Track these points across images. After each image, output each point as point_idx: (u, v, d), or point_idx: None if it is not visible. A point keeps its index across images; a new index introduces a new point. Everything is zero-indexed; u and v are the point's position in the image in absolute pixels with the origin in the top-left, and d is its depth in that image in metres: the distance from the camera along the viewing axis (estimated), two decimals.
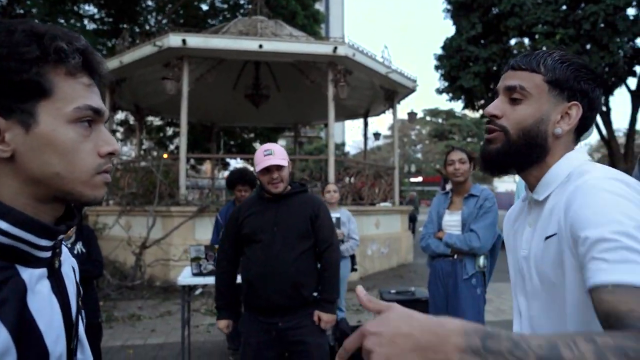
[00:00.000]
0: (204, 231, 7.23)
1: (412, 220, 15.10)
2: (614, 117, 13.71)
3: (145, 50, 7.69)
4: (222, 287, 2.43)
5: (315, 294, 2.33)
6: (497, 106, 0.93)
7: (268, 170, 2.23)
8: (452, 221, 2.94)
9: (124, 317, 5.60)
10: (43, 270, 0.65)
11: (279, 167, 2.25)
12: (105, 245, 7.47)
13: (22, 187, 0.62)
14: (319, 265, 2.38)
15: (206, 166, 20.89)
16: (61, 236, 0.67)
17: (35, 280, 0.63)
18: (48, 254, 0.65)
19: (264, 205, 2.34)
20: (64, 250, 0.73)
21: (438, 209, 3.06)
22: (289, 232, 2.28)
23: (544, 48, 11.17)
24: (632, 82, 12.91)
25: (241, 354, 2.36)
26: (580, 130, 0.93)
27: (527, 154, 0.91)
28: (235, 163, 22.87)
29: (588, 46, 11.00)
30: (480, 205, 2.84)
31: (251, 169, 4.36)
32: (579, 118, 0.90)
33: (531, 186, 0.96)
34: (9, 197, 0.62)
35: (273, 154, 2.24)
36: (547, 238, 0.87)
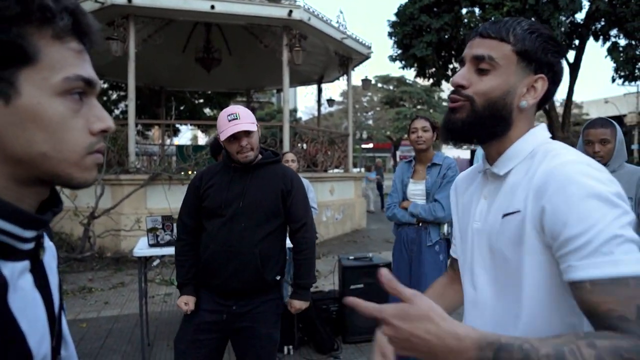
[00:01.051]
0: (156, 200, 7.04)
1: (379, 187, 15.47)
2: None
3: (86, 6, 7.08)
4: (183, 262, 2.13)
5: (277, 277, 2.10)
6: (463, 76, 0.89)
7: (235, 137, 1.96)
8: (416, 190, 3.01)
9: (73, 290, 5.42)
10: (25, 264, 0.57)
11: (247, 133, 1.97)
12: None
13: (1, 168, 0.53)
14: (286, 247, 2.18)
15: (154, 132, 20.09)
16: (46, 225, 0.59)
17: (17, 275, 0.55)
18: (31, 245, 0.58)
19: (229, 175, 2.05)
20: (45, 237, 0.65)
21: (402, 178, 3.11)
22: (256, 209, 2.02)
23: (492, 19, 11.53)
24: (571, 55, 13.57)
25: (179, 332, 2.11)
26: (542, 103, 0.92)
27: (491, 126, 0.87)
28: (186, 129, 22.15)
29: (532, 19, 11.39)
30: (443, 174, 2.92)
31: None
32: (544, 91, 0.88)
33: (491, 158, 0.93)
34: None
35: (239, 117, 1.95)
36: (506, 215, 0.85)
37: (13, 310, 0.53)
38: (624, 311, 0.66)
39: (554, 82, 0.89)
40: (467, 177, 1.07)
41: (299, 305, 2.19)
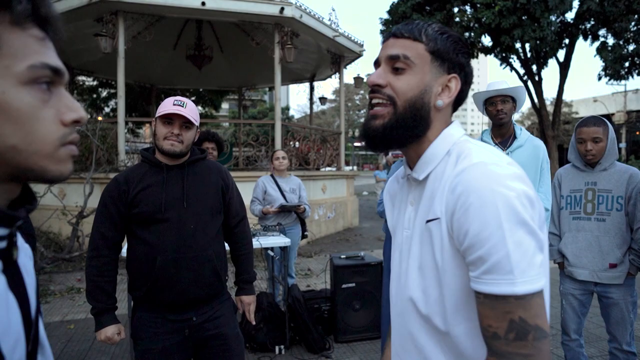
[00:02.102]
0: None
1: None
2: (545, 87, 14.54)
3: (73, 2, 7.02)
4: (104, 283, 1.81)
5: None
6: (380, 75, 0.88)
7: (170, 120, 1.79)
8: None
9: (61, 290, 5.34)
10: (0, 264, 0.55)
11: (186, 125, 1.81)
12: (36, 216, 7.00)
13: None
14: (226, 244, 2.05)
15: (145, 130, 19.93)
16: (19, 222, 0.56)
17: None
18: (3, 245, 0.55)
19: (161, 175, 1.84)
20: (18, 237, 0.61)
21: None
22: (201, 208, 1.86)
23: (485, 18, 11.58)
24: (561, 54, 13.70)
25: None
26: (455, 104, 0.92)
27: (412, 127, 0.87)
28: None
29: (524, 18, 11.45)
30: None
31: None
32: (457, 91, 0.89)
33: (411, 162, 0.93)
34: None
35: (185, 106, 1.80)
36: (428, 221, 0.85)
37: None
38: (497, 327, 0.71)
39: (466, 82, 0.91)
40: (394, 182, 1.06)
41: (248, 300, 2.09)
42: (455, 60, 0.88)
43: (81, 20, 7.39)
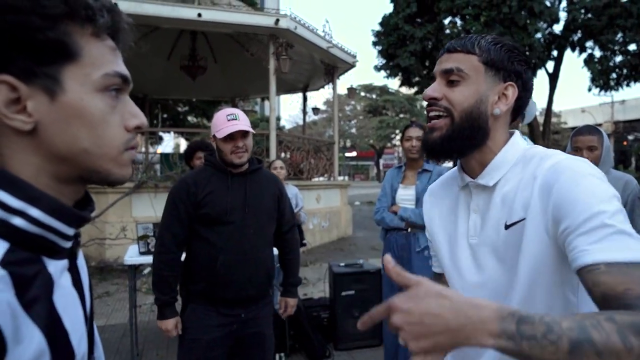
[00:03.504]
0: (141, 208, 6.95)
1: None
2: (534, 98, 14.80)
3: None
4: (171, 278, 1.98)
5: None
6: (435, 89, 0.91)
7: (232, 137, 1.91)
8: (406, 195, 3.04)
9: None
10: (65, 262, 0.58)
11: (245, 135, 1.94)
12: None
13: (43, 165, 0.54)
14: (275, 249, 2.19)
15: (137, 140, 19.86)
16: (86, 223, 0.59)
17: (59, 273, 0.56)
18: (70, 244, 0.58)
19: (226, 181, 1.99)
20: None
21: (392, 183, 3.14)
22: (260, 214, 2.01)
23: (473, 29, 11.79)
24: (550, 65, 13.95)
25: (183, 355, 2.00)
26: (515, 113, 0.94)
27: (470, 137, 0.89)
28: (170, 137, 21.91)
29: (511, 28, 11.68)
30: (433, 180, 2.96)
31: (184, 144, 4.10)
32: (515, 98, 0.91)
33: (472, 171, 0.94)
34: (29, 178, 0.53)
35: (238, 118, 1.92)
36: (509, 225, 0.85)
37: (58, 308, 0.54)
38: None
39: (525, 90, 0.92)
40: (442, 188, 1.07)
41: (293, 302, 2.24)
42: (511, 69, 0.90)
43: None
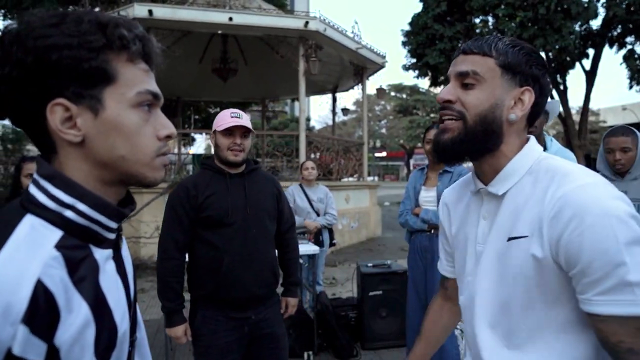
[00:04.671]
0: None
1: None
2: (571, 96, 14.33)
3: None
4: (176, 284, 1.95)
5: None
6: (449, 91, 0.89)
7: (231, 132, 1.93)
8: (428, 197, 3.04)
9: None
10: (110, 252, 0.68)
11: (245, 133, 1.96)
12: None
13: (91, 170, 0.65)
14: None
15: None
16: (127, 218, 0.69)
17: (104, 260, 0.66)
18: (114, 236, 0.68)
19: (225, 182, 1.98)
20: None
21: (415, 185, 3.16)
22: (261, 213, 2.01)
23: (506, 29, 11.53)
24: (587, 63, 13.50)
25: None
26: (531, 118, 0.90)
27: (483, 141, 0.87)
28: (202, 138, 22.39)
29: (546, 28, 11.36)
30: (454, 181, 2.94)
31: None
32: (531, 103, 0.87)
33: (484, 176, 0.92)
34: (80, 181, 0.64)
35: (242, 117, 1.94)
36: (512, 239, 0.84)
37: (103, 288, 0.64)
38: (633, 343, 0.70)
39: (542, 94, 0.89)
40: (457, 192, 1.07)
41: (294, 302, 2.22)
42: (528, 73, 0.87)
43: None
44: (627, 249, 0.71)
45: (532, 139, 0.93)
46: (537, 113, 0.90)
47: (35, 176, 0.64)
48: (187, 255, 2.05)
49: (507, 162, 0.89)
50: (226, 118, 1.95)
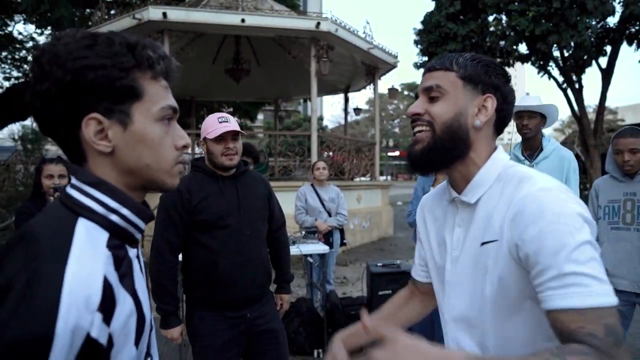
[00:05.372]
0: None
1: None
2: (586, 94, 14.10)
3: (124, 22, 7.49)
4: (170, 286, 1.97)
5: None
6: (417, 105, 0.96)
7: (222, 138, 1.94)
8: None
9: None
10: (136, 250, 0.76)
11: (235, 137, 1.98)
12: None
13: (119, 177, 0.72)
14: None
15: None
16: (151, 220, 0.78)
17: (134, 258, 0.74)
18: (140, 236, 0.76)
19: (217, 185, 2.00)
20: None
21: (423, 186, 3.19)
22: (253, 215, 2.05)
23: (519, 26, 11.37)
24: (603, 61, 13.27)
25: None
26: (498, 125, 0.96)
27: (451, 148, 0.92)
28: None
29: (559, 25, 11.20)
30: None
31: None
32: (494, 109, 0.93)
33: (457, 185, 0.97)
34: None
35: (229, 121, 1.96)
36: (484, 243, 0.89)
37: (135, 284, 0.71)
38: (593, 329, 0.72)
39: (505, 102, 0.95)
40: (435, 198, 1.11)
41: (288, 297, 2.27)
42: (489, 82, 0.94)
43: None
44: (580, 248, 0.76)
45: (499, 147, 0.99)
46: (503, 119, 0.97)
47: (76, 182, 0.70)
48: (180, 257, 2.07)
49: (477, 171, 0.95)
50: (214, 124, 1.95)
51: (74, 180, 0.71)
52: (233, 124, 1.97)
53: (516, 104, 2.69)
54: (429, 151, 0.94)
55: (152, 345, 0.82)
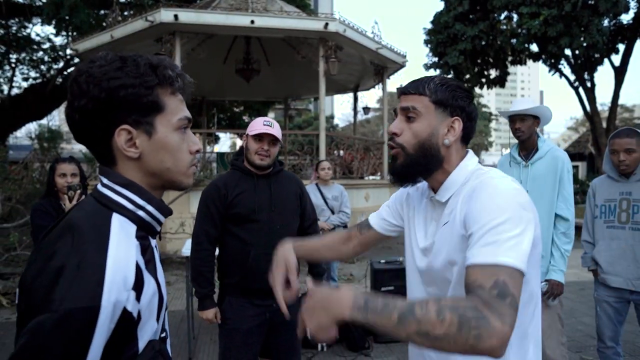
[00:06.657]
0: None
1: None
2: (599, 92, 13.94)
3: (137, 25, 7.66)
4: (207, 272, 2.20)
5: None
6: (396, 125, 1.11)
7: (261, 138, 2.14)
8: None
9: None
10: (155, 241, 0.88)
11: (274, 142, 2.17)
12: None
13: (144, 178, 0.84)
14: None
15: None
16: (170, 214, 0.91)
17: (154, 247, 0.87)
18: (159, 228, 0.89)
19: (253, 182, 2.20)
20: None
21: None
22: (285, 211, 2.23)
23: (530, 28, 11.24)
24: (616, 59, 13.14)
25: (225, 342, 2.18)
26: (464, 138, 1.12)
27: (425, 164, 1.09)
28: (226, 137, 22.75)
29: (571, 27, 11.10)
30: None
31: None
32: (461, 129, 1.10)
33: (432, 186, 1.14)
34: None
35: (273, 126, 2.15)
36: (445, 224, 1.07)
37: (157, 269, 0.84)
38: (483, 282, 0.84)
39: (469, 119, 1.11)
40: (417, 194, 1.26)
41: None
42: (456, 105, 1.10)
43: (143, 41, 8.04)
44: (507, 223, 0.90)
45: (469, 153, 1.15)
46: (468, 134, 1.13)
47: (108, 182, 0.82)
48: (217, 248, 2.27)
49: (448, 176, 1.12)
50: (259, 125, 2.15)
51: (105, 181, 0.83)
52: (274, 129, 2.15)
53: (509, 108, 2.77)
54: (407, 166, 1.11)
55: (166, 322, 0.94)
